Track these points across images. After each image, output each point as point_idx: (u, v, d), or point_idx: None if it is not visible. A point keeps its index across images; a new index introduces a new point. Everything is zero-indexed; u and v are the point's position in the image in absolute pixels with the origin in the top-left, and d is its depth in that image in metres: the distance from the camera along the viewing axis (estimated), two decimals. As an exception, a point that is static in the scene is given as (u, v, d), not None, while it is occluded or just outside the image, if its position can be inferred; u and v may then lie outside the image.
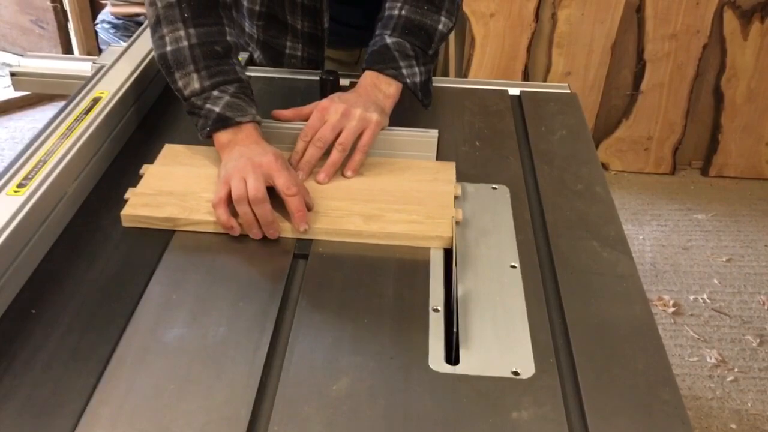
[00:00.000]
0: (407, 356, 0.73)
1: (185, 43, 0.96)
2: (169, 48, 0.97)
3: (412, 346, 0.74)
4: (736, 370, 1.93)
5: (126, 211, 0.90)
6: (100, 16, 2.89)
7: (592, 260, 0.86)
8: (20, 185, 0.86)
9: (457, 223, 0.90)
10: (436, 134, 1.05)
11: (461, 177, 1.00)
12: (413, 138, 1.04)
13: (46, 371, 0.70)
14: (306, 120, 0.99)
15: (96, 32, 2.94)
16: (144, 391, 0.68)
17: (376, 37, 1.07)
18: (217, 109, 0.94)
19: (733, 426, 1.77)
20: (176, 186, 0.93)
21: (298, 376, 0.70)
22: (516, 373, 0.71)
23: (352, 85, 1.07)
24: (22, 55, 1.34)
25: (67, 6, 2.92)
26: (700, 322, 2.08)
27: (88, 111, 1.02)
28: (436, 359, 0.73)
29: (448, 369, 0.72)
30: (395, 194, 0.94)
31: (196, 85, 0.96)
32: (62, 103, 1.06)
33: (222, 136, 0.95)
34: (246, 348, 0.73)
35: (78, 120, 1.00)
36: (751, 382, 1.89)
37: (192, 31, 0.97)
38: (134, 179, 0.97)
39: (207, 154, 0.99)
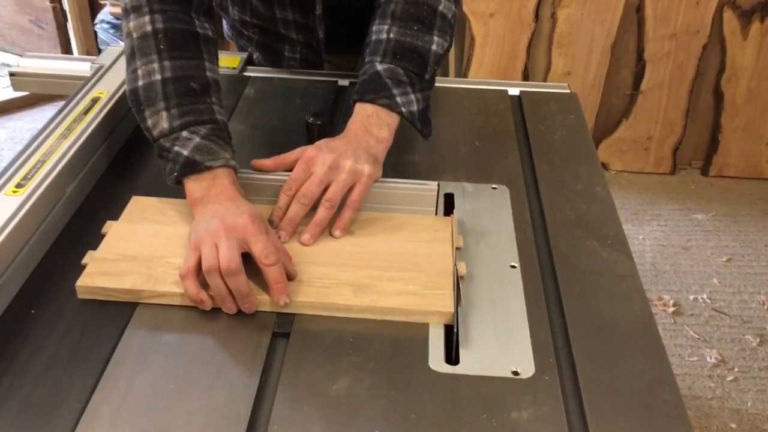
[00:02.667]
0: (407, 356, 0.73)
1: (158, 77, 0.87)
2: (140, 83, 0.87)
3: (412, 346, 0.74)
4: (736, 369, 1.93)
5: (82, 281, 0.78)
6: (100, 17, 2.89)
7: (592, 260, 0.86)
8: (19, 185, 0.86)
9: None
10: (436, 187, 0.93)
11: (461, 177, 1.00)
12: (411, 191, 0.93)
13: (46, 371, 0.70)
14: (290, 170, 0.88)
15: (95, 32, 2.94)
16: (144, 391, 0.68)
17: (366, 65, 0.97)
18: (185, 152, 0.84)
19: (733, 425, 1.77)
20: (141, 249, 0.83)
21: (298, 376, 0.70)
22: (516, 373, 0.71)
23: (352, 85, 1.05)
24: (21, 56, 1.34)
25: (66, 6, 2.92)
26: (700, 321, 2.08)
27: (87, 111, 1.02)
28: (436, 359, 0.72)
29: (448, 369, 0.72)
30: (389, 258, 0.83)
31: (165, 124, 0.86)
32: (61, 103, 1.06)
33: (194, 188, 0.84)
34: (246, 349, 0.73)
35: (77, 120, 1.00)
36: (751, 382, 1.89)
37: (167, 63, 0.87)
38: (134, 179, 0.97)
39: (179, 207, 0.89)
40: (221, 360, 0.72)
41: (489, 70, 2.59)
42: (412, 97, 0.95)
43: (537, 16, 2.49)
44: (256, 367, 0.71)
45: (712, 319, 2.09)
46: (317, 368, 0.71)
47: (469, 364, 0.72)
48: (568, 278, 0.84)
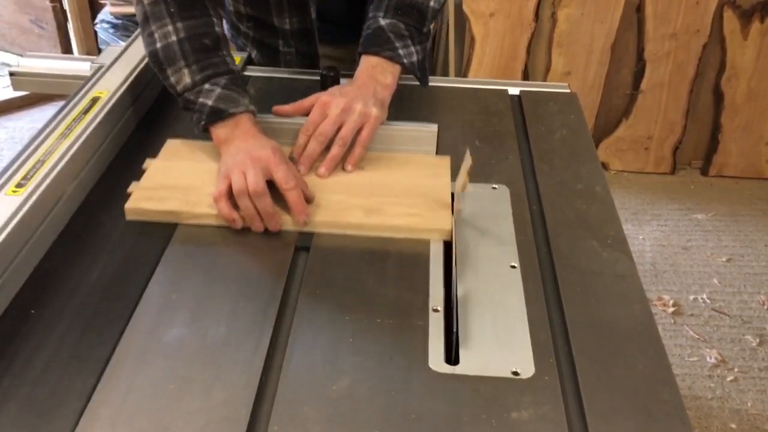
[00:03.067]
0: (407, 356, 0.73)
1: (174, 38, 0.97)
2: (158, 45, 0.98)
3: (412, 346, 0.74)
4: (735, 369, 1.93)
5: (129, 204, 0.91)
6: (100, 16, 2.89)
7: (592, 260, 0.86)
8: (19, 185, 0.86)
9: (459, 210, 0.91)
10: (436, 129, 1.05)
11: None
12: (413, 132, 1.05)
13: (46, 371, 0.70)
14: (306, 115, 1.00)
15: (95, 32, 2.94)
16: (144, 391, 0.68)
17: (369, 20, 1.09)
18: (209, 102, 0.95)
19: (733, 426, 1.77)
20: (179, 180, 0.94)
21: (298, 376, 0.70)
22: (516, 373, 0.71)
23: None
24: (21, 55, 1.34)
25: (66, 6, 2.92)
26: (700, 322, 2.08)
27: (87, 111, 1.02)
28: (436, 359, 0.72)
29: (448, 369, 0.72)
30: (395, 188, 0.95)
31: (187, 80, 0.97)
32: (61, 103, 1.06)
33: (220, 132, 0.96)
34: (246, 348, 0.73)
35: (77, 120, 1.00)
36: (751, 382, 1.89)
37: (180, 25, 0.97)
38: (133, 179, 0.97)
39: (208, 149, 1.00)
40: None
41: (489, 70, 2.59)
42: (412, 49, 1.06)
43: (537, 15, 2.49)
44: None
45: (712, 319, 2.09)
46: (317, 368, 0.71)
47: (469, 364, 0.72)
48: (568, 278, 0.84)
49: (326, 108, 0.98)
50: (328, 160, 0.97)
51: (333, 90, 1.02)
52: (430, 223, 0.89)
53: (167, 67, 0.97)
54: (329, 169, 0.97)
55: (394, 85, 1.05)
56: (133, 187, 0.93)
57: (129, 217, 0.90)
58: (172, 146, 1.02)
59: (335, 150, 0.97)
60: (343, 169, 0.98)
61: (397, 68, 1.05)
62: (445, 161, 1.01)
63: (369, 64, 1.04)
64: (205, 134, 0.98)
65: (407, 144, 1.04)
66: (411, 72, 1.07)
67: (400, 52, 1.05)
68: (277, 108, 1.04)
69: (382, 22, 1.06)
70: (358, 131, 0.99)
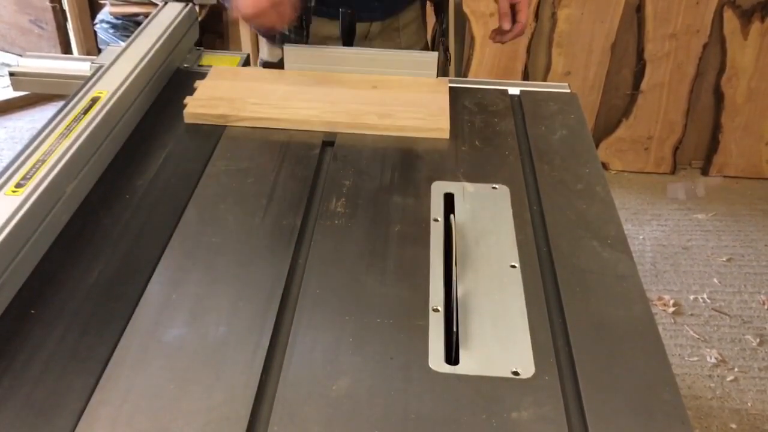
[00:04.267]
0: (407, 356, 0.73)
1: None
2: None
3: (412, 346, 0.74)
4: (736, 369, 1.93)
5: (188, 110, 1.11)
6: (99, 16, 2.89)
7: (592, 260, 0.86)
8: (18, 185, 0.86)
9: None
10: (436, 55, 1.23)
11: (461, 177, 1.00)
12: (415, 58, 1.25)
13: (46, 371, 0.70)
14: None
15: (95, 32, 2.94)
16: (143, 391, 0.68)
17: None
18: None
19: (733, 426, 1.77)
20: (226, 94, 1.15)
21: (298, 376, 0.70)
22: (516, 373, 0.71)
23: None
24: (21, 55, 1.34)
25: (66, 6, 2.92)
26: (700, 321, 2.08)
27: (86, 111, 1.02)
28: (436, 359, 0.72)
29: (448, 369, 0.72)
30: (402, 100, 1.15)
31: None
32: (61, 103, 1.06)
33: None
34: (246, 348, 0.73)
35: (77, 120, 1.00)
36: (751, 382, 1.89)
37: None
38: (133, 179, 0.97)
39: (248, 73, 1.23)
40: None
41: (489, 69, 2.59)
42: None
43: (537, 15, 2.49)
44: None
45: (712, 319, 2.09)
46: (317, 368, 0.71)
47: (469, 364, 0.72)
48: (568, 278, 0.84)
49: None
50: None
51: None
52: (433, 124, 1.09)
53: None
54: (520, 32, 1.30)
55: None
56: (188, 100, 1.12)
57: (188, 120, 1.10)
58: (218, 70, 1.22)
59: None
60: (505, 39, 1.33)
61: None
62: (444, 82, 1.21)
63: None
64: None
65: (410, 68, 1.23)
66: None
67: None
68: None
69: None
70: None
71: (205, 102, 1.13)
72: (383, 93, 1.18)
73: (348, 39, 1.28)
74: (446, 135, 1.09)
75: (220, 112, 1.11)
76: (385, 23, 1.39)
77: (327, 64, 1.23)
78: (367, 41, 1.34)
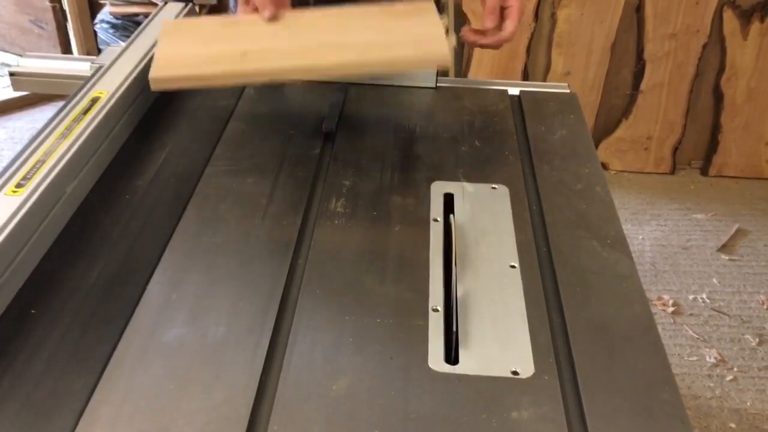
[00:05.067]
0: (407, 356, 0.73)
1: None
2: None
3: (411, 346, 0.74)
4: (735, 369, 1.93)
5: (153, 74, 0.96)
6: (99, 16, 2.89)
7: (592, 260, 0.86)
8: (18, 185, 0.86)
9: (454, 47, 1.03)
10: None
11: (461, 177, 1.00)
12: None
13: (46, 371, 0.70)
14: None
15: (95, 32, 2.94)
16: (143, 391, 0.68)
17: None
18: None
19: (733, 425, 1.78)
20: (192, 49, 1.01)
21: (298, 376, 0.70)
22: (515, 373, 0.71)
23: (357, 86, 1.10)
24: (21, 55, 1.34)
25: (66, 6, 2.92)
26: (700, 321, 2.08)
27: (86, 111, 1.02)
28: (436, 359, 0.73)
29: (448, 369, 0.72)
30: (386, 28, 1.03)
31: None
32: (61, 103, 1.06)
33: None
34: (246, 348, 0.73)
35: (77, 120, 1.00)
36: (751, 382, 1.89)
37: None
38: (133, 179, 0.98)
39: (205, 23, 1.08)
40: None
41: (489, 69, 2.59)
42: None
43: (537, 16, 2.49)
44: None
45: (712, 318, 2.09)
46: (317, 368, 0.71)
47: (469, 364, 0.72)
48: (568, 278, 0.84)
49: None
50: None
51: None
52: (429, 50, 0.98)
53: None
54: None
55: None
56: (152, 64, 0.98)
57: (154, 87, 0.95)
58: (169, 25, 1.07)
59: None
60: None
61: None
62: (429, 3, 1.07)
63: None
64: None
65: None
66: None
67: None
68: None
69: None
70: None
71: (170, 61, 0.98)
72: (362, 24, 1.04)
73: None
74: (448, 62, 0.99)
75: (185, 73, 0.97)
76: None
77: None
78: None
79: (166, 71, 0.96)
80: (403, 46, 0.99)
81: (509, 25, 1.10)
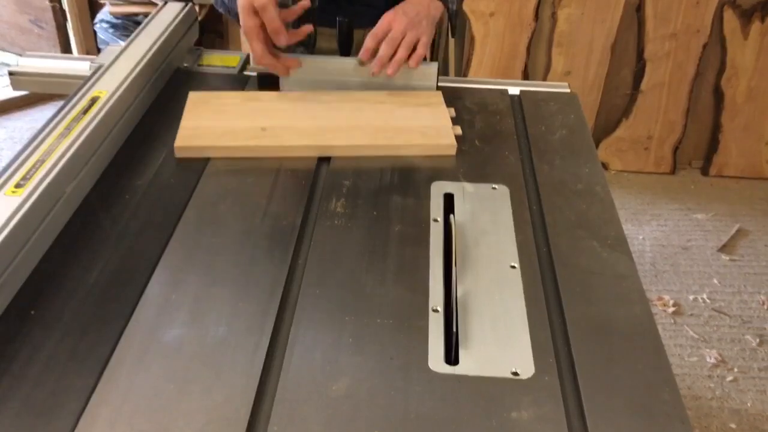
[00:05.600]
0: (407, 356, 0.73)
1: None
2: None
3: (411, 346, 0.74)
4: (735, 369, 1.93)
5: (178, 143, 1.03)
6: (99, 16, 2.89)
7: (592, 260, 0.86)
8: (18, 185, 0.86)
9: (456, 137, 1.06)
10: (436, 66, 1.18)
11: (461, 177, 1.00)
12: (415, 69, 1.16)
13: (45, 372, 0.70)
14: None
15: (95, 32, 2.93)
16: (143, 391, 0.68)
17: None
18: None
19: (733, 426, 1.77)
20: (210, 122, 1.07)
21: (298, 376, 0.70)
22: (515, 374, 0.71)
23: None
24: (20, 55, 1.34)
25: (65, 5, 2.92)
26: (700, 321, 2.08)
27: (86, 110, 1.02)
28: (436, 359, 0.72)
29: (448, 369, 0.72)
30: (397, 116, 1.10)
31: None
32: (61, 103, 1.06)
33: None
34: (246, 348, 0.73)
35: (76, 119, 1.00)
36: (751, 382, 1.89)
37: None
38: (133, 179, 0.97)
39: (227, 98, 1.14)
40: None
41: (489, 69, 2.59)
42: None
43: (537, 15, 2.49)
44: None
45: (712, 319, 2.09)
46: (317, 368, 0.71)
47: (469, 364, 0.72)
48: (568, 278, 0.83)
49: (392, 22, 1.13)
50: (395, 62, 1.12)
51: (397, 8, 1.15)
52: (438, 140, 1.05)
53: None
54: (396, 69, 1.12)
55: (441, 9, 1.20)
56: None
57: (178, 154, 1.02)
58: (196, 97, 1.13)
59: (402, 53, 1.11)
60: (408, 66, 1.14)
61: (442, 8, 1.19)
62: (437, 94, 1.16)
63: None
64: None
65: (410, 80, 1.17)
66: (449, 17, 1.22)
67: None
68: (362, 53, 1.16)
69: None
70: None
71: (193, 132, 1.05)
72: (376, 109, 1.12)
73: (345, 49, 1.24)
74: (453, 151, 1.05)
75: (208, 144, 1.03)
76: None
77: (322, 75, 1.18)
78: (357, 48, 1.23)
79: (190, 141, 1.03)
80: (412, 134, 1.06)
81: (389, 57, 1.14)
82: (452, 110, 1.13)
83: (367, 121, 1.09)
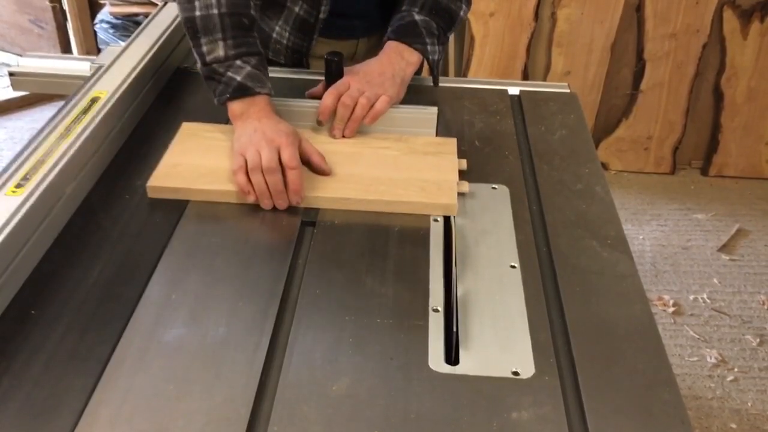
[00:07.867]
0: (407, 356, 0.73)
1: (215, 11, 1.01)
2: (198, 13, 1.01)
3: (411, 346, 0.74)
4: (736, 369, 1.93)
5: (151, 183, 0.95)
6: (99, 16, 2.89)
7: (592, 260, 0.86)
8: (18, 185, 0.86)
9: (463, 193, 0.96)
10: (436, 111, 1.12)
11: (461, 177, 1.00)
12: (414, 115, 1.11)
13: (46, 372, 0.70)
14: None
15: (95, 32, 2.93)
16: (143, 391, 0.68)
17: (403, 12, 1.17)
18: (238, 78, 1.00)
19: (733, 426, 1.77)
20: (193, 160, 0.99)
21: (298, 376, 0.70)
22: (516, 373, 0.71)
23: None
24: (20, 55, 1.34)
25: (66, 6, 2.91)
26: (700, 321, 2.08)
27: (86, 111, 1.02)
28: (436, 359, 0.72)
29: (448, 369, 0.72)
30: (399, 166, 1.00)
31: (221, 52, 1.01)
32: (61, 103, 1.06)
33: (236, 107, 1.01)
34: (246, 348, 0.73)
35: (76, 120, 1.00)
36: (751, 382, 1.89)
37: (223, 0, 1.02)
38: (132, 179, 0.98)
39: (218, 131, 1.06)
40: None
41: (489, 69, 2.59)
42: (437, 47, 1.16)
43: (537, 15, 2.49)
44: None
45: (712, 319, 2.09)
46: (317, 368, 0.71)
47: (469, 364, 0.72)
48: (568, 278, 0.83)
49: (351, 81, 1.08)
50: (352, 121, 1.06)
51: (357, 68, 1.10)
52: (436, 198, 0.94)
53: (203, 35, 1.01)
54: (353, 130, 1.06)
55: (417, 65, 1.15)
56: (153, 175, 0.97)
57: (151, 195, 0.95)
58: (188, 129, 1.07)
59: (358, 111, 1.06)
60: (365, 123, 1.06)
61: (421, 57, 1.14)
62: (451, 142, 1.06)
63: (397, 47, 1.13)
64: (220, 106, 1.02)
65: (409, 126, 1.10)
66: (431, 68, 1.17)
67: (428, 48, 1.14)
68: (310, 92, 1.14)
69: (417, 17, 1.15)
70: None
71: (168, 172, 0.97)
72: (377, 155, 1.02)
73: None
74: (454, 211, 0.93)
75: (185, 186, 0.94)
76: (371, 41, 1.32)
77: (314, 119, 1.08)
78: (354, 61, 1.16)
79: (163, 181, 0.95)
80: (409, 189, 0.95)
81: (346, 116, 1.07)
82: (463, 162, 1.01)
83: (364, 170, 0.99)
